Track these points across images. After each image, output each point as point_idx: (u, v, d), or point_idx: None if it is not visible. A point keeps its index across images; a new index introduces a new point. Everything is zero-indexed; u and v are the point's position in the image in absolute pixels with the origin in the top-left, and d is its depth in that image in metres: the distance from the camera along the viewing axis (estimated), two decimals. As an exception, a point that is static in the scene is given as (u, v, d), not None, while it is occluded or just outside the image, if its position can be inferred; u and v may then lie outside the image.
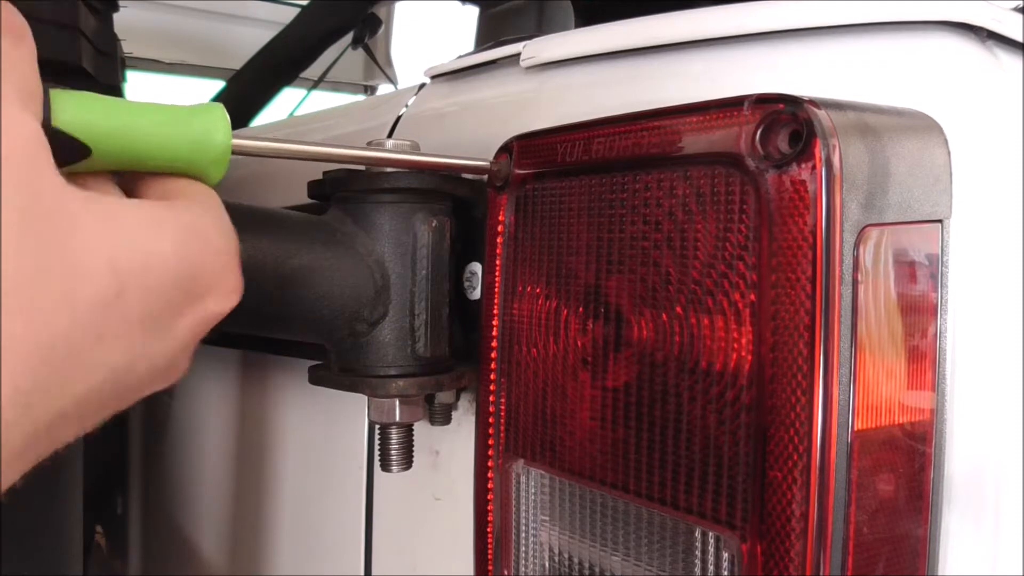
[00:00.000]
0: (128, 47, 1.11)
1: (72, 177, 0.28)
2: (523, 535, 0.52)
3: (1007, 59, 0.46)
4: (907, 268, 0.40)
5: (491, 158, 0.55)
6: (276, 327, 0.57)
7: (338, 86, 2.41)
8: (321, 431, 0.78)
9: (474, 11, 1.86)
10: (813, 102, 0.37)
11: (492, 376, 0.54)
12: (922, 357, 0.41)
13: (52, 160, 0.26)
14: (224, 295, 0.32)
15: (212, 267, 0.31)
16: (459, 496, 0.62)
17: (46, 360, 0.23)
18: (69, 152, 0.31)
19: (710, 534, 0.41)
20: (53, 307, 0.24)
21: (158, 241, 0.28)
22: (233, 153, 0.38)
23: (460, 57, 0.70)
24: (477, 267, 0.59)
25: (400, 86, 2.29)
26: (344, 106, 1.07)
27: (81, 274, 0.25)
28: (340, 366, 0.57)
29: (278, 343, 0.79)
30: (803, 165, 0.37)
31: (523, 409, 0.52)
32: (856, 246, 0.37)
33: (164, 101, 0.37)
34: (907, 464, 0.40)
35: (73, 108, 0.32)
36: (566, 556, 0.49)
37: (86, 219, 0.26)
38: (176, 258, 0.29)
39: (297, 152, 0.47)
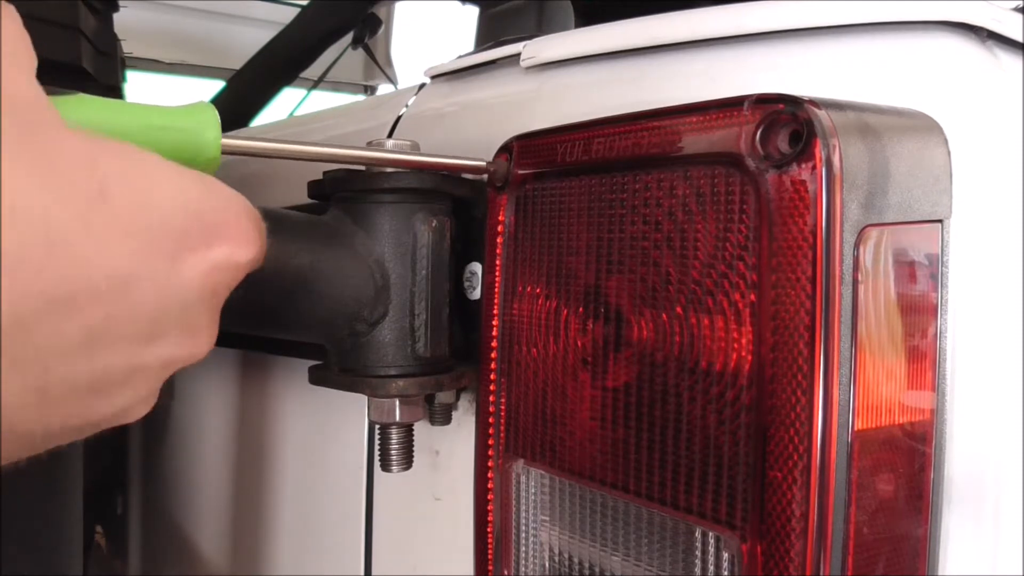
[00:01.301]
0: (128, 47, 1.11)
1: None
2: (523, 535, 0.52)
3: (1007, 59, 0.46)
4: (907, 268, 0.40)
5: (491, 158, 0.55)
6: (276, 327, 0.57)
7: (338, 86, 2.41)
8: (321, 431, 0.78)
9: (474, 11, 1.86)
10: (813, 102, 0.37)
11: (492, 376, 0.54)
12: (922, 357, 0.41)
13: (52, 107, 0.26)
14: (239, 242, 0.30)
15: (220, 209, 0.30)
16: (459, 496, 0.62)
17: (33, 242, 0.23)
18: None
19: (710, 534, 0.41)
20: (32, 195, 0.23)
21: (148, 164, 0.28)
22: (224, 153, 0.38)
23: (460, 57, 0.70)
24: (477, 267, 0.59)
25: (400, 86, 2.29)
26: (344, 106, 1.07)
27: (60, 166, 0.24)
28: (340, 366, 0.57)
29: (278, 343, 0.79)
30: (803, 165, 0.37)
31: (523, 409, 0.52)
32: (856, 246, 0.37)
33: (158, 102, 0.37)
34: (907, 464, 0.40)
35: (64, 110, 0.32)
36: (566, 556, 0.49)
37: (67, 133, 0.25)
38: (171, 185, 0.28)
39: (287, 152, 0.47)
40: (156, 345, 0.28)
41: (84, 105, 0.33)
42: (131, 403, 0.29)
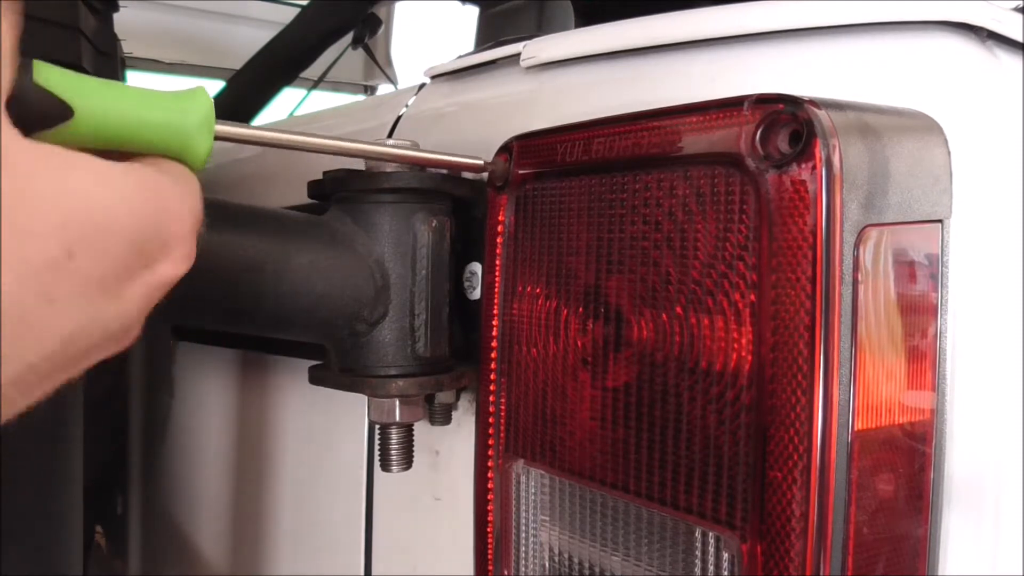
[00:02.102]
0: (128, 47, 1.11)
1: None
2: (523, 535, 0.52)
3: (1007, 59, 0.46)
4: (907, 268, 0.40)
5: (491, 158, 0.55)
6: (276, 327, 0.57)
7: (338, 86, 2.41)
8: (321, 431, 0.78)
9: (474, 11, 1.86)
10: (813, 102, 0.37)
11: (492, 376, 0.54)
12: (922, 357, 0.41)
13: (8, 118, 0.25)
14: (177, 259, 0.31)
15: (166, 228, 0.30)
16: (459, 496, 0.62)
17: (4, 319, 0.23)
18: (50, 113, 0.31)
19: (710, 534, 0.41)
20: (3, 271, 0.23)
21: (111, 195, 0.27)
22: (217, 139, 0.38)
23: (460, 57, 0.70)
24: (477, 267, 0.59)
25: (400, 86, 2.29)
26: (344, 106, 1.07)
27: (30, 236, 0.24)
28: (340, 366, 0.57)
29: (278, 343, 0.79)
30: (803, 165, 0.37)
31: (523, 409, 0.52)
32: (856, 246, 0.37)
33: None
34: (907, 464, 0.40)
35: (56, 80, 0.32)
36: (566, 556, 0.49)
37: (40, 175, 0.25)
38: (129, 215, 0.28)
39: (279, 140, 0.47)
40: (87, 362, 0.29)
41: (77, 84, 0.33)
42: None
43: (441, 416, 0.62)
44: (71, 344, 0.27)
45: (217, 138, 0.38)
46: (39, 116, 0.28)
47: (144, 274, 0.29)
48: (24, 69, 0.30)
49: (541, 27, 1.63)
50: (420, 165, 0.54)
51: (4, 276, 0.23)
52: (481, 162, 0.54)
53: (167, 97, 0.36)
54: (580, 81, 0.58)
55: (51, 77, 0.31)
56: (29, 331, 0.24)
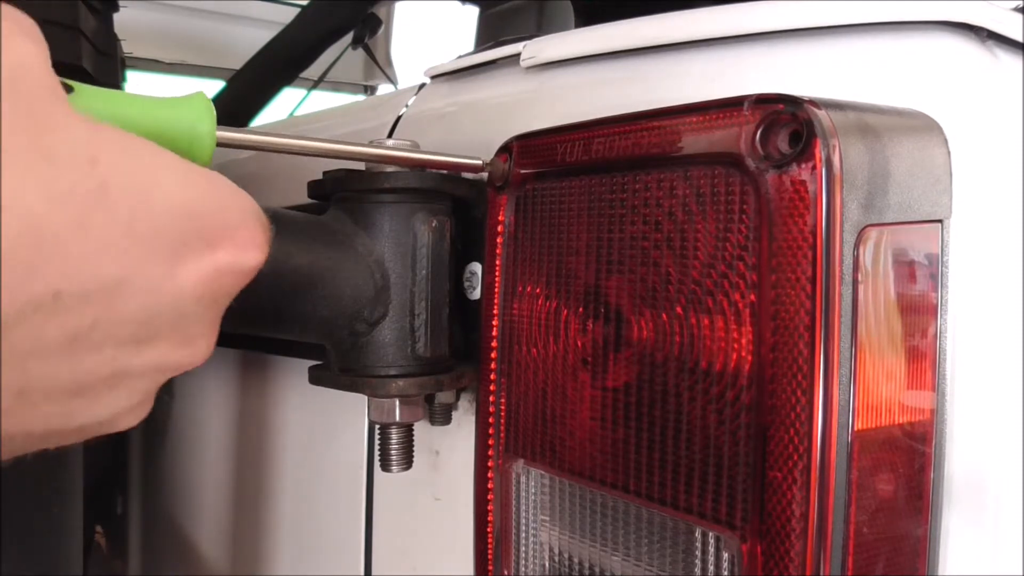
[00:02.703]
0: (128, 47, 1.11)
1: None
2: (523, 535, 0.52)
3: (1007, 59, 0.46)
4: (907, 268, 0.40)
5: (490, 158, 0.55)
6: (276, 327, 0.56)
7: (338, 86, 2.41)
8: (321, 431, 0.78)
9: (474, 11, 1.86)
10: (813, 102, 0.37)
11: (492, 376, 0.54)
12: (922, 357, 0.41)
13: (62, 91, 0.25)
14: (244, 246, 0.29)
15: (221, 212, 0.28)
16: (459, 496, 0.62)
17: (23, 235, 0.22)
18: None
19: (710, 534, 0.41)
20: (28, 191, 0.22)
21: (152, 162, 0.26)
22: (219, 145, 0.38)
23: (460, 57, 0.70)
24: (477, 267, 0.59)
25: (400, 86, 2.29)
26: (344, 106, 1.07)
27: (57, 160, 0.23)
28: (340, 366, 0.57)
29: (278, 343, 0.79)
30: (803, 165, 0.37)
31: (523, 409, 0.52)
32: (856, 246, 0.37)
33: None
34: (907, 464, 0.40)
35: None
36: (566, 556, 0.49)
37: (71, 122, 0.24)
38: (174, 184, 0.27)
39: (281, 145, 0.47)
40: (146, 351, 0.27)
41: (79, 94, 0.33)
42: (120, 410, 0.28)
43: (441, 416, 0.62)
44: (111, 295, 0.25)
45: (218, 143, 0.38)
46: None
47: (201, 252, 0.27)
48: None
49: (541, 27, 1.64)
50: (419, 166, 0.54)
51: (33, 192, 0.22)
52: (479, 162, 0.54)
53: (167, 103, 0.36)
54: (580, 81, 0.58)
55: None
56: (58, 251, 0.23)
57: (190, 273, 0.27)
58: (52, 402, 0.25)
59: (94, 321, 0.25)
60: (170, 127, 0.35)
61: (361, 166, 0.56)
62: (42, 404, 0.25)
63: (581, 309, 0.48)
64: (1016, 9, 0.48)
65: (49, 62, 0.24)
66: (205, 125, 0.36)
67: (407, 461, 0.58)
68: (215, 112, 0.37)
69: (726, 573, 0.40)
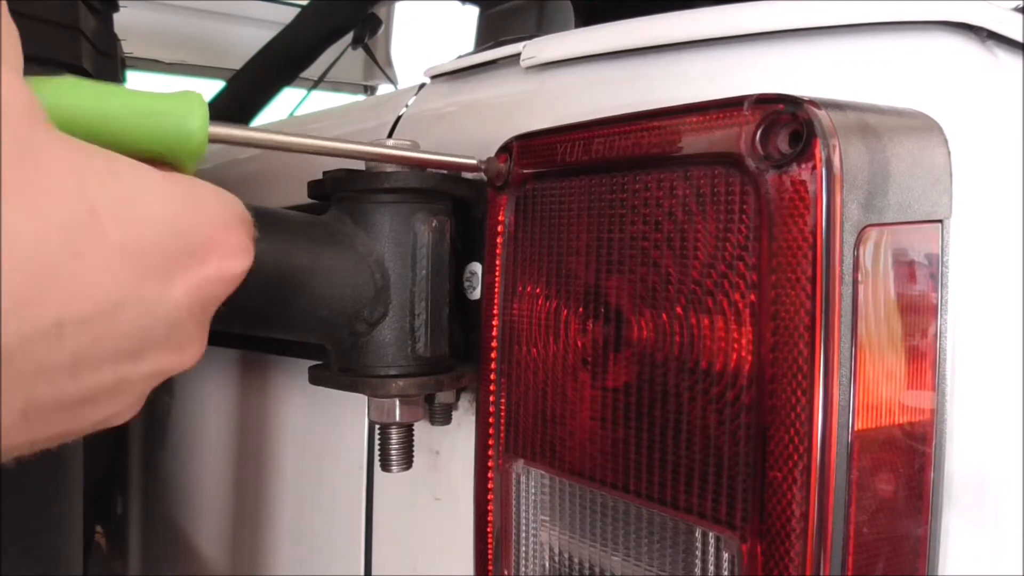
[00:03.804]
0: (128, 47, 1.11)
1: None
2: (523, 535, 0.52)
3: (1007, 59, 0.46)
4: (907, 268, 0.40)
5: (493, 157, 0.55)
6: (276, 327, 0.56)
7: (338, 86, 2.41)
8: (321, 431, 0.78)
9: (474, 11, 1.86)
10: (813, 102, 0.37)
11: (492, 376, 0.54)
12: (922, 357, 0.41)
13: (43, 111, 0.25)
14: (230, 255, 0.30)
15: (207, 223, 0.29)
16: (459, 496, 0.62)
17: (22, 269, 0.23)
18: None
19: (710, 534, 0.41)
20: (22, 222, 0.23)
21: (137, 182, 0.27)
22: (211, 141, 0.38)
23: (460, 57, 0.70)
24: (477, 267, 0.59)
25: (400, 86, 2.29)
26: (344, 106, 1.07)
27: (48, 191, 0.24)
28: (340, 366, 0.57)
29: (278, 343, 0.79)
30: (803, 165, 0.37)
31: (523, 409, 0.52)
32: (856, 246, 0.37)
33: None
34: (907, 464, 0.40)
35: (46, 90, 0.32)
36: (566, 556, 0.49)
37: (58, 151, 0.25)
38: (159, 202, 0.27)
39: (273, 142, 0.47)
40: (144, 361, 0.28)
41: (72, 89, 0.33)
42: (117, 411, 0.29)
43: (441, 416, 0.62)
44: (109, 317, 0.26)
45: (211, 140, 0.38)
46: None
47: (190, 264, 0.28)
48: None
49: (541, 27, 1.64)
50: (414, 165, 0.54)
51: (27, 226, 0.23)
52: (474, 161, 0.54)
53: (160, 99, 0.36)
54: (580, 81, 0.58)
55: (39, 88, 0.32)
56: (56, 281, 0.24)
57: (181, 287, 0.28)
58: (57, 416, 0.26)
59: (93, 342, 0.26)
60: (160, 122, 0.35)
61: (361, 165, 0.56)
62: (48, 419, 0.26)
63: (581, 309, 0.48)
64: (1016, 9, 0.48)
65: (23, 83, 0.25)
66: (196, 121, 0.36)
67: (407, 461, 0.58)
68: (207, 108, 0.37)
69: (726, 573, 0.40)
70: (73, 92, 0.33)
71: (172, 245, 0.28)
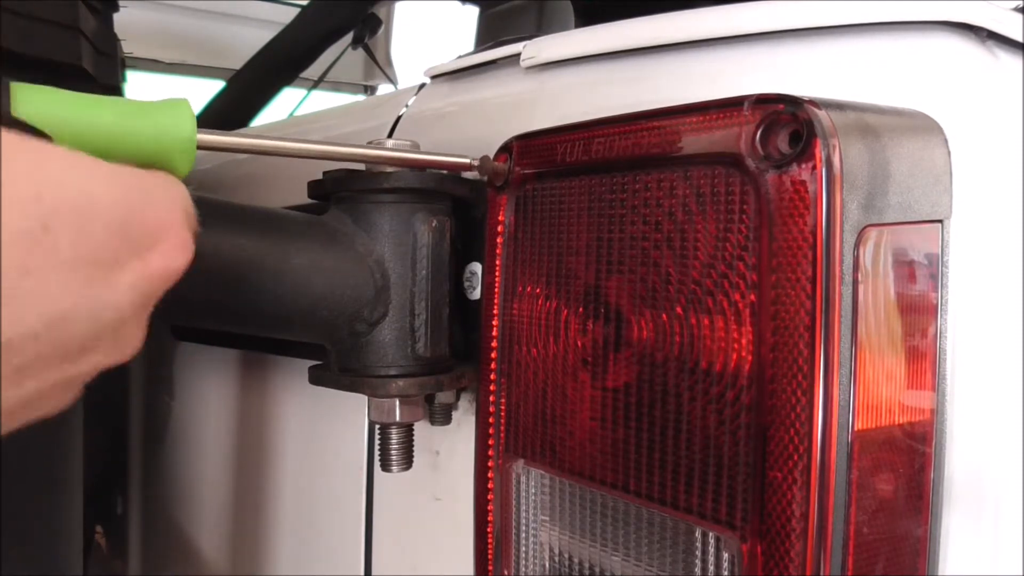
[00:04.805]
0: (128, 47, 1.11)
1: None
2: (523, 535, 0.52)
3: (1007, 59, 0.46)
4: (907, 268, 0.40)
5: (490, 157, 0.55)
6: (276, 327, 0.57)
7: (338, 86, 2.41)
8: (321, 431, 0.78)
9: (474, 11, 1.86)
10: (813, 102, 0.37)
11: (492, 376, 0.54)
12: (922, 357, 0.41)
13: None
14: (170, 250, 0.30)
15: (154, 220, 0.30)
16: (459, 496, 0.62)
17: None
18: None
19: (710, 534, 0.41)
20: None
21: (88, 177, 0.27)
22: (200, 148, 0.38)
23: (460, 57, 0.70)
24: (477, 267, 0.59)
25: (400, 86, 2.29)
26: (344, 106, 1.07)
27: (8, 205, 0.24)
28: (340, 366, 0.57)
29: (278, 343, 0.79)
30: (803, 165, 0.37)
31: (523, 409, 0.52)
32: (856, 246, 0.37)
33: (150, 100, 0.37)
34: (907, 464, 0.40)
35: (34, 100, 0.32)
36: (566, 556, 0.49)
37: (13, 156, 0.25)
38: (111, 202, 0.28)
39: (262, 147, 0.47)
40: (85, 363, 0.28)
41: (55, 100, 0.33)
42: (53, 407, 0.29)
43: (441, 416, 0.62)
44: (57, 328, 0.26)
45: (200, 147, 0.38)
46: None
47: (134, 263, 0.29)
48: (4, 97, 0.30)
49: (541, 27, 1.64)
50: (409, 165, 0.54)
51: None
52: (467, 161, 0.54)
53: (148, 108, 0.36)
54: (580, 81, 0.58)
55: (29, 102, 0.32)
56: (6, 303, 0.24)
57: (125, 284, 0.28)
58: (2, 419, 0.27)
59: (38, 354, 0.26)
60: (151, 131, 0.35)
61: (361, 166, 0.56)
62: None
63: (581, 309, 0.48)
64: (1016, 9, 0.48)
65: None
66: (184, 131, 0.36)
67: (407, 461, 0.58)
68: (194, 116, 0.37)
69: (726, 573, 0.40)
70: (62, 103, 0.33)
71: (117, 243, 0.28)
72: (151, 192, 0.30)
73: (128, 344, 0.30)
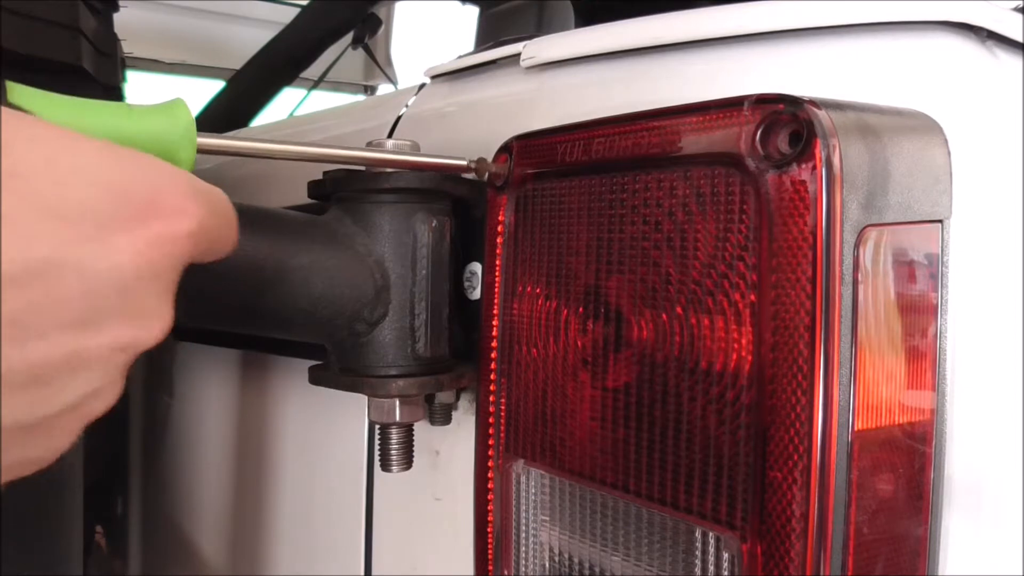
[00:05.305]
0: (128, 47, 1.11)
1: None
2: (523, 535, 0.52)
3: (1007, 59, 0.46)
4: (907, 268, 0.40)
5: (490, 158, 0.55)
6: (276, 327, 0.57)
7: (338, 86, 2.41)
8: (321, 431, 0.78)
9: (474, 11, 1.86)
10: (813, 102, 0.37)
11: (492, 376, 0.54)
12: (922, 357, 0.41)
13: None
14: (175, 215, 0.29)
15: (151, 184, 0.29)
16: (459, 496, 0.62)
17: None
18: None
19: (710, 534, 0.41)
20: None
21: (76, 143, 0.27)
22: (199, 152, 0.38)
23: (460, 57, 0.70)
24: (477, 267, 0.59)
25: (400, 86, 2.29)
26: (344, 106, 1.07)
27: None
28: (340, 366, 0.57)
29: (278, 343, 0.79)
30: (803, 165, 0.37)
31: (523, 409, 0.52)
32: (856, 246, 0.37)
33: (152, 101, 0.37)
34: (907, 464, 0.40)
35: (32, 103, 0.32)
36: (566, 556, 0.49)
37: (6, 121, 0.25)
38: (94, 164, 0.27)
39: (262, 151, 0.47)
40: (98, 331, 0.27)
41: (52, 104, 0.33)
42: (85, 394, 0.28)
43: (441, 416, 0.62)
44: (42, 276, 0.25)
45: (200, 151, 0.38)
46: None
47: (134, 226, 0.28)
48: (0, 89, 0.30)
49: (541, 27, 1.63)
50: (406, 167, 0.54)
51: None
52: (464, 162, 0.54)
53: (146, 112, 0.36)
54: (580, 81, 0.58)
55: (24, 100, 0.32)
56: None
57: (124, 248, 0.28)
58: (14, 393, 0.26)
59: (28, 304, 0.25)
60: (147, 134, 0.35)
61: (361, 166, 0.56)
62: (6, 397, 0.25)
63: (581, 309, 0.48)
64: (1016, 9, 0.48)
65: None
66: (185, 132, 0.36)
67: (407, 461, 0.58)
68: (193, 120, 0.37)
69: (726, 573, 0.40)
70: (59, 107, 0.33)
71: (109, 206, 0.27)
72: (146, 162, 0.30)
73: (147, 319, 0.29)
